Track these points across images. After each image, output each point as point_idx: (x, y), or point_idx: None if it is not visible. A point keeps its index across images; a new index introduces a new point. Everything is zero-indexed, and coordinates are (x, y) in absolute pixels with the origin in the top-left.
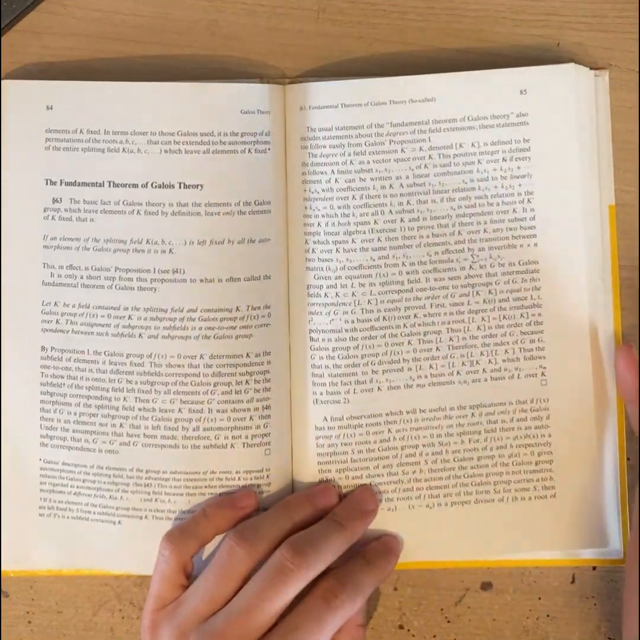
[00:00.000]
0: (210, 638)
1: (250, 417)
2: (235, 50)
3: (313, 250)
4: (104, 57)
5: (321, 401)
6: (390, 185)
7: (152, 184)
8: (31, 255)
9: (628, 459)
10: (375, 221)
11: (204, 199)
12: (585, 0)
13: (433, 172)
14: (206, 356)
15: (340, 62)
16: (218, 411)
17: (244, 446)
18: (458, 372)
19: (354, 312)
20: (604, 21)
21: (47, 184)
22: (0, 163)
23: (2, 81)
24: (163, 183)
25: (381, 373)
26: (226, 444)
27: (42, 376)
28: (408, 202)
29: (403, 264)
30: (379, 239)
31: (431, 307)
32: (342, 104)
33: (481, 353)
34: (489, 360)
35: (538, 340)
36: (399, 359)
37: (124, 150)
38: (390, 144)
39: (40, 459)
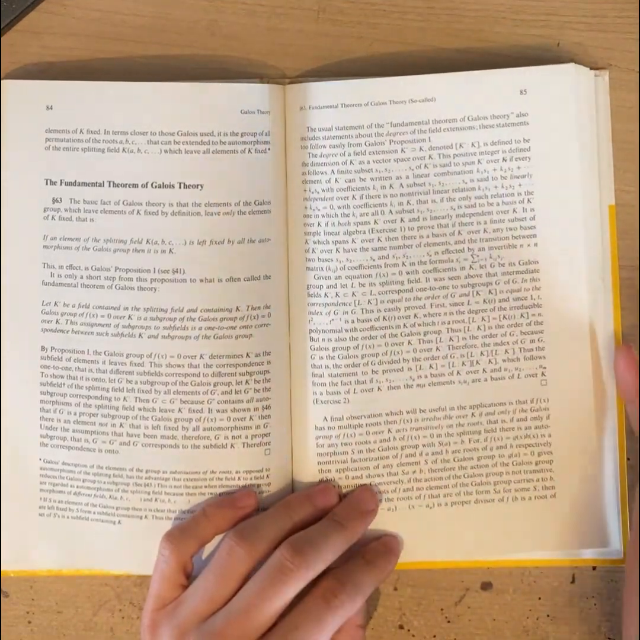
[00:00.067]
0: (210, 638)
1: (250, 417)
2: (235, 50)
3: (313, 250)
4: (104, 57)
5: (321, 401)
6: (390, 185)
7: (152, 184)
8: (31, 255)
9: (628, 459)
10: (375, 221)
11: (204, 199)
12: (585, 0)
13: (433, 172)
14: (206, 356)
15: (340, 62)
16: (218, 411)
17: (244, 446)
18: (458, 372)
19: (354, 312)
20: (604, 21)
21: (47, 184)
22: (0, 163)
23: (2, 81)
24: (163, 183)
25: (381, 373)
26: (226, 444)
27: (42, 376)
28: (408, 202)
29: (403, 264)
30: (379, 239)
31: (431, 307)
32: (342, 104)
33: (481, 353)
34: (489, 360)
35: (538, 340)
36: (399, 359)
37: (124, 150)
38: (390, 144)
39: (40, 459)
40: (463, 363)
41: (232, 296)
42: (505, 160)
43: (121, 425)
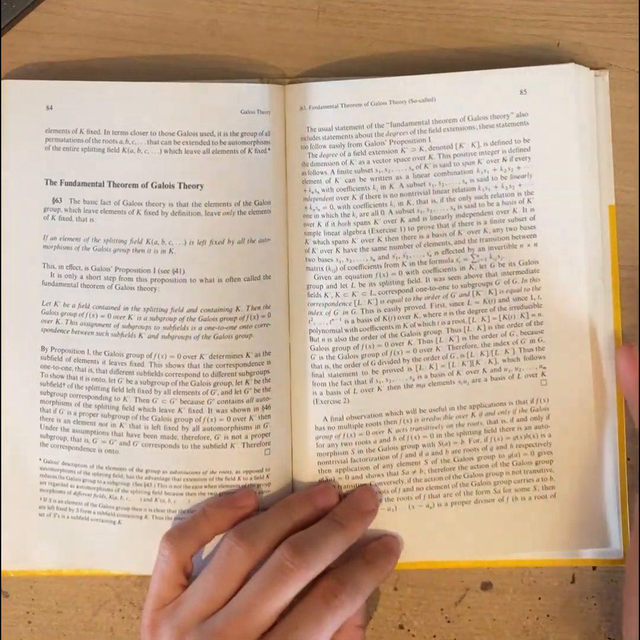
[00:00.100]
0: (209, 638)
1: (250, 417)
2: (235, 50)
3: (313, 250)
4: (104, 57)
5: (321, 401)
6: (390, 185)
7: (152, 184)
8: (31, 255)
9: (628, 459)
10: (375, 221)
11: (204, 199)
12: (585, 0)
13: (433, 172)
14: (206, 356)
15: (340, 62)
16: (218, 411)
17: (243, 446)
18: (458, 372)
19: (354, 312)
20: (604, 21)
21: (47, 184)
22: (0, 163)
23: (2, 81)
24: (163, 183)
25: (381, 373)
26: (226, 444)
27: (42, 376)
28: (408, 202)
29: (403, 264)
30: (379, 239)
31: (431, 307)
32: (342, 104)
33: (481, 353)
34: (489, 360)
35: (538, 340)
36: (399, 359)
37: (124, 150)
38: (390, 144)
39: (40, 459)
40: (463, 363)
41: (232, 296)
42: (505, 160)
43: (121, 425)
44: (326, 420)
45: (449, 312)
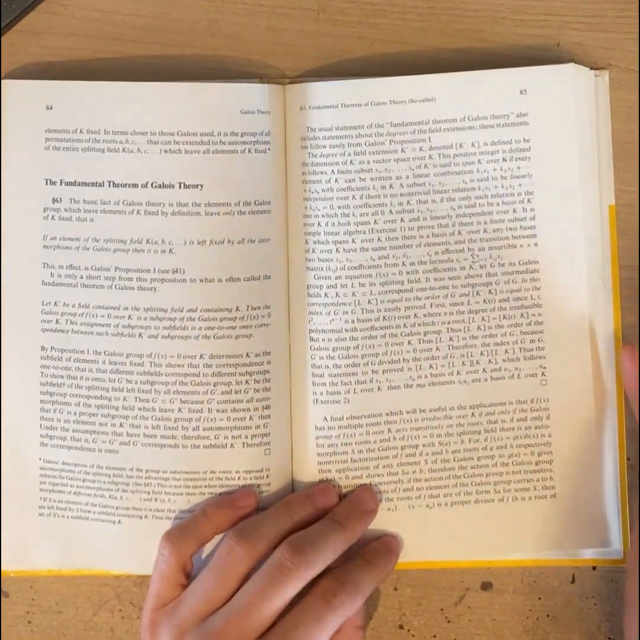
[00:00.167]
0: (209, 637)
1: (250, 417)
2: (235, 50)
3: (313, 250)
4: (104, 57)
5: (321, 401)
6: (390, 185)
7: (152, 184)
8: (31, 255)
9: (628, 459)
10: (375, 221)
11: (204, 199)
12: (585, 0)
13: (433, 172)
14: (206, 356)
15: (340, 62)
16: (218, 411)
17: (243, 446)
18: (458, 372)
19: (354, 312)
20: (604, 21)
21: (47, 184)
22: (0, 163)
23: (2, 81)
24: (163, 183)
25: (381, 373)
26: (226, 444)
27: (42, 376)
28: (408, 202)
29: (403, 264)
30: (379, 239)
31: (431, 307)
32: (342, 104)
33: (481, 353)
34: (489, 360)
35: (538, 340)
36: (399, 359)
37: (124, 150)
38: (390, 144)
39: (40, 459)
40: (463, 363)
41: (232, 296)
42: (505, 160)
43: (121, 425)
44: (326, 420)
45: (449, 312)
